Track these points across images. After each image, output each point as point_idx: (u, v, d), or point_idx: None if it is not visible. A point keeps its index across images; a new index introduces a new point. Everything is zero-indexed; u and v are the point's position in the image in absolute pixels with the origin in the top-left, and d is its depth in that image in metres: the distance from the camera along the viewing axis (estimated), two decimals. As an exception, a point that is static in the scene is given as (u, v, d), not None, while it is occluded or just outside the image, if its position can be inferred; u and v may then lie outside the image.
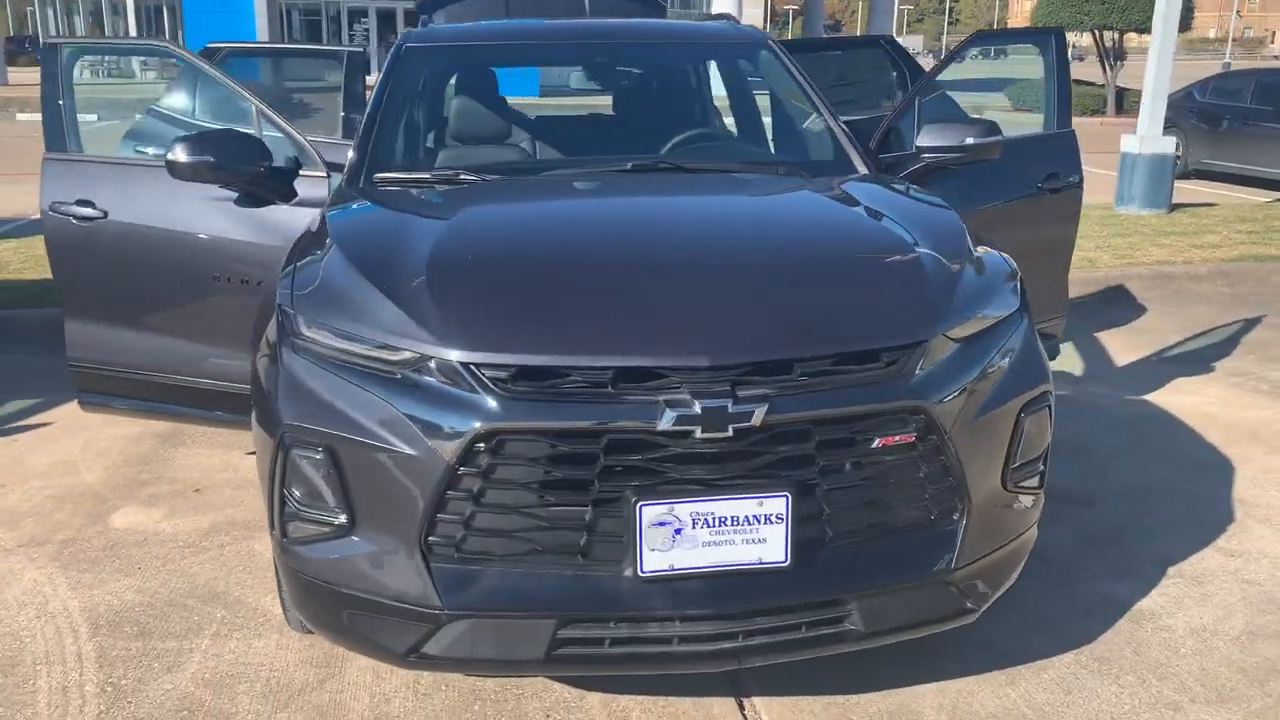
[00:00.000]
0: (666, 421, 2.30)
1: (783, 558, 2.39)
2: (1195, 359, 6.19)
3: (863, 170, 3.68)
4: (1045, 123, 4.56)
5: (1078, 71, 40.54)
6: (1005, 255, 3.02)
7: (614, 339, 2.40)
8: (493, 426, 2.31)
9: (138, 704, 2.91)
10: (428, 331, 2.42)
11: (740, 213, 3.21)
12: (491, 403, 2.33)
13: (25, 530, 3.98)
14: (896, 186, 3.48)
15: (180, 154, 3.45)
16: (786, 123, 4.25)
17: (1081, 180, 4.50)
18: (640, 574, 2.35)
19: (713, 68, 4.92)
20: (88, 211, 3.93)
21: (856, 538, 2.49)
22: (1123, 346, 6.44)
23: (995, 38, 5.02)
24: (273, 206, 3.73)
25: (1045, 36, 4.56)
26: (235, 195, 3.76)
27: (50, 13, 42.63)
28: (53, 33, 41.57)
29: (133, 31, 30.72)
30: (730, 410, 2.31)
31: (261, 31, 25.16)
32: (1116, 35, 25.76)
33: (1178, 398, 5.43)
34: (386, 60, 4.03)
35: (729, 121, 4.83)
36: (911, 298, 2.61)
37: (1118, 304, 7.55)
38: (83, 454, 4.75)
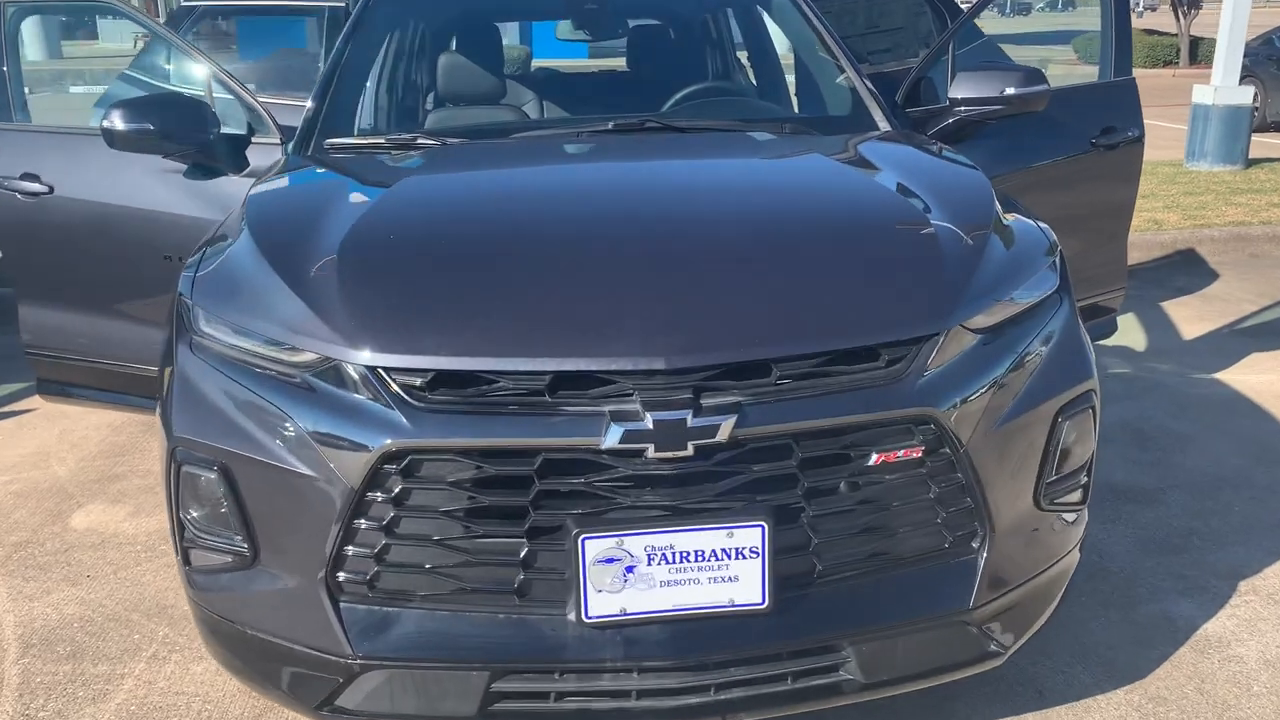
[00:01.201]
0: (612, 438, 1.88)
1: (759, 599, 1.97)
2: (1273, 331, 5.60)
3: (884, 127, 3.20)
4: (1101, 71, 4.02)
5: (1150, 21, 39.01)
6: (1044, 225, 2.54)
7: (552, 337, 1.97)
8: (404, 444, 1.91)
9: (50, 742, 2.59)
10: (331, 328, 2.02)
11: (723, 182, 2.74)
12: (404, 415, 1.93)
13: (-21, 531, 3.70)
14: (918, 145, 3.00)
15: (117, 121, 3.10)
16: (801, 74, 3.76)
17: (1143, 134, 3.96)
18: (585, 619, 1.94)
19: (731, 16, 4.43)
20: (34, 186, 3.60)
21: (852, 572, 2.06)
22: (1192, 317, 5.87)
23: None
24: (225, 178, 3.36)
25: (1103, -28, 4.01)
26: (185, 167, 3.40)
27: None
28: None
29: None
30: (690, 424, 1.88)
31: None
32: (1191, -18, 24.49)
33: (1254, 376, 4.87)
34: (354, 9, 3.62)
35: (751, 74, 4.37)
36: (920, 282, 2.15)
37: (1187, 269, 6.95)
38: (58, 444, 4.47)
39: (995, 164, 3.75)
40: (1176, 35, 25.11)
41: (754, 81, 4.32)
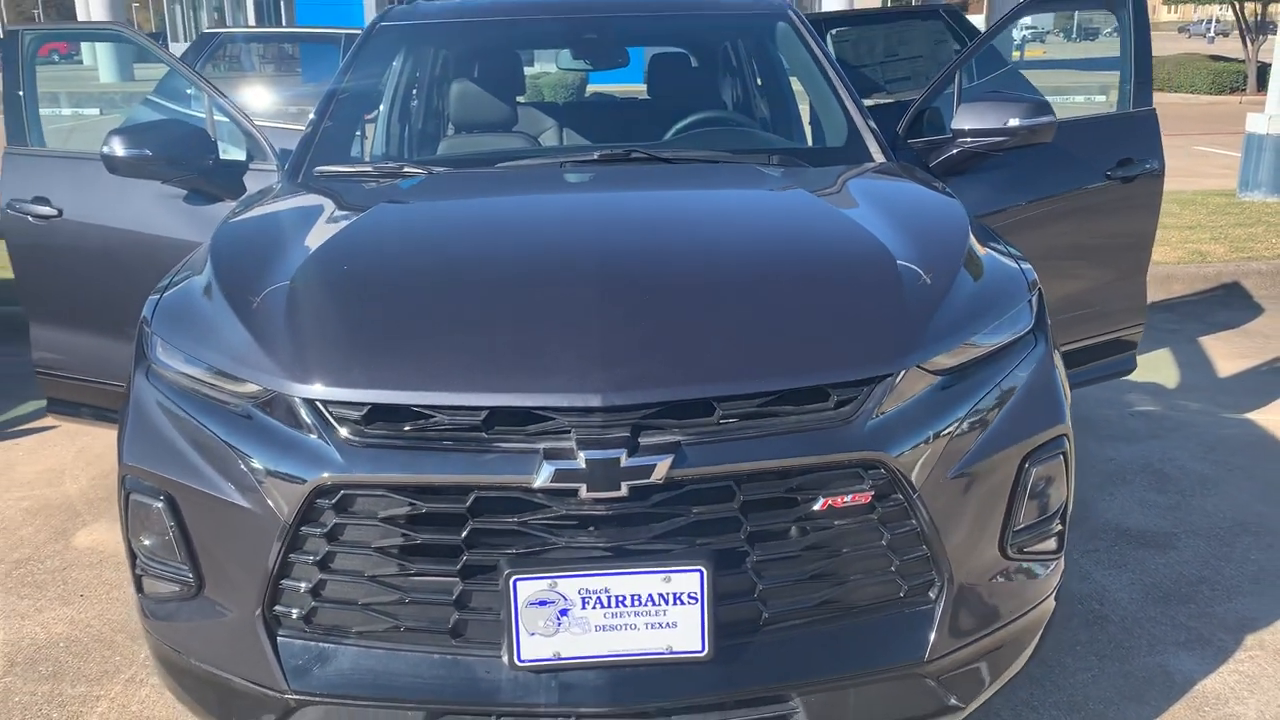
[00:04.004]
0: (543, 477, 1.84)
1: (699, 646, 1.90)
2: (1314, 370, 5.41)
3: (879, 158, 3.14)
4: (1120, 101, 3.91)
5: (1221, 47, 38.21)
6: (1025, 263, 2.46)
7: (487, 373, 1.94)
8: (338, 478, 1.89)
9: (18, 763, 2.61)
10: (272, 359, 2.01)
11: (688, 215, 2.69)
12: (338, 450, 1.91)
13: (-15, 547, 3.76)
14: (902, 179, 2.93)
15: (117, 147, 3.16)
16: (796, 106, 3.70)
17: (1162, 166, 3.84)
18: (518, 662, 1.90)
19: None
20: (44, 210, 3.67)
21: (800, 620, 1.98)
22: (1229, 353, 5.68)
23: (1057, 2, 4.36)
24: (222, 203, 3.39)
25: (1122, 0, 3.90)
26: (185, 192, 3.44)
27: (178, 7, 44.06)
28: (179, 26, 43.02)
29: (251, 20, 31.27)
30: (624, 463, 1.84)
31: (370, 14, 25.25)
32: (1260, 6, 23.96)
33: (1287, 417, 4.70)
34: (358, 39, 3.65)
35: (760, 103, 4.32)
36: (875, 321, 2.08)
37: (1229, 303, 6.73)
38: (73, 462, 4.54)
39: (1004, 195, 3.67)
40: (1244, 62, 24.58)
41: (772, 112, 4.27)
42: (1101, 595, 3.23)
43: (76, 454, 4.62)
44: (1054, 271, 3.87)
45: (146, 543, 2.16)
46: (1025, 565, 2.20)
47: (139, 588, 2.23)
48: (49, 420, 4.99)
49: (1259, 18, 24.18)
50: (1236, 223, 8.37)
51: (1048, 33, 59.91)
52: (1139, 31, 3.85)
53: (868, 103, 4.48)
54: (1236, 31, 25.65)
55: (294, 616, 1.99)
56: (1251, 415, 4.74)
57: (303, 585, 1.96)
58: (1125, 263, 3.95)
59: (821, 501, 1.93)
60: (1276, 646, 2.96)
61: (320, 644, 1.99)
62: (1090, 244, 3.89)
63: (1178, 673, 2.84)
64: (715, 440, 1.89)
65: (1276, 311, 6.53)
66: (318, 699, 1.98)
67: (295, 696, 1.98)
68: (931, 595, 2.05)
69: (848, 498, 1.94)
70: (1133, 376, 5.14)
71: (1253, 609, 3.15)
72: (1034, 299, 2.33)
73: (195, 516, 2.05)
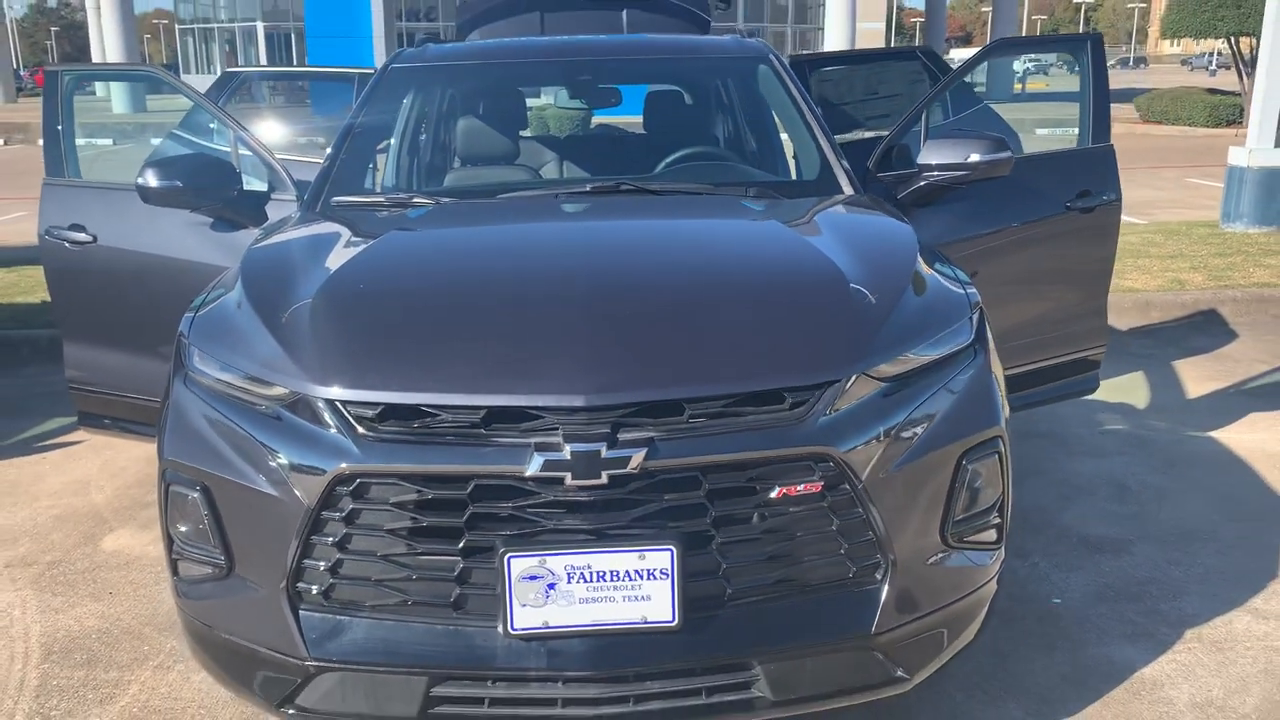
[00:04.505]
0: (534, 467, 2.12)
1: (670, 617, 2.17)
2: (1278, 392, 5.66)
3: (848, 191, 3.43)
4: (1080, 137, 4.20)
5: (1220, 80, 38.44)
6: (969, 285, 2.74)
7: (485, 376, 2.23)
8: (354, 468, 2.17)
9: (58, 737, 2.86)
10: (298, 366, 2.30)
11: (666, 241, 2.99)
12: (355, 443, 2.19)
13: (19, 550, 4.02)
14: (862, 209, 3.22)
15: (150, 179, 3.45)
16: (777, 141, 4.01)
17: (1119, 198, 4.12)
18: (511, 631, 2.17)
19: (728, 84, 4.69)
20: (80, 236, 3.96)
21: (760, 596, 2.25)
22: (1200, 376, 5.94)
23: (1022, 45, 4.67)
24: (245, 230, 3.68)
25: (1080, 43, 4.21)
26: (211, 220, 3.74)
27: (190, 40, 44.86)
28: (191, 59, 43.72)
29: (263, 61, 31.88)
30: (604, 455, 2.11)
31: (380, 57, 25.78)
32: (1255, 41, 24.32)
33: (1248, 435, 4.95)
34: (371, 79, 3.96)
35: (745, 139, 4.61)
36: (827, 335, 2.37)
37: (1206, 330, 7.00)
38: (99, 474, 4.81)
39: (970, 225, 3.95)
40: (1239, 95, 24.94)
41: (754, 147, 4.57)
42: (1058, 593, 3.48)
43: (101, 467, 4.89)
44: (1020, 295, 4.16)
45: (183, 529, 2.44)
46: (965, 553, 2.46)
47: (174, 570, 2.50)
48: (75, 435, 5.28)
49: (1254, 52, 24.55)
50: (1217, 252, 8.65)
51: (1051, 65, 60.55)
52: (1097, 74, 4.15)
53: (849, 138, 4.79)
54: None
55: (314, 592, 2.26)
56: (1214, 433, 4.99)
57: (322, 564, 2.24)
58: (1087, 287, 4.22)
59: (778, 490, 2.20)
60: (1213, 639, 3.21)
61: (337, 616, 2.26)
62: (1053, 270, 4.16)
63: (1120, 662, 3.09)
64: (684, 436, 2.17)
65: (1249, 337, 6.79)
66: (334, 665, 2.24)
67: (314, 663, 2.25)
68: (878, 576, 2.31)
69: (801, 487, 2.21)
70: (1105, 397, 5.44)
71: (1195, 606, 3.40)
72: (975, 317, 2.60)
73: (228, 504, 2.32)
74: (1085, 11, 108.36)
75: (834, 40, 26.93)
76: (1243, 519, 4.04)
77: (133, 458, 4.96)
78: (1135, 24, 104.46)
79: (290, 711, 2.32)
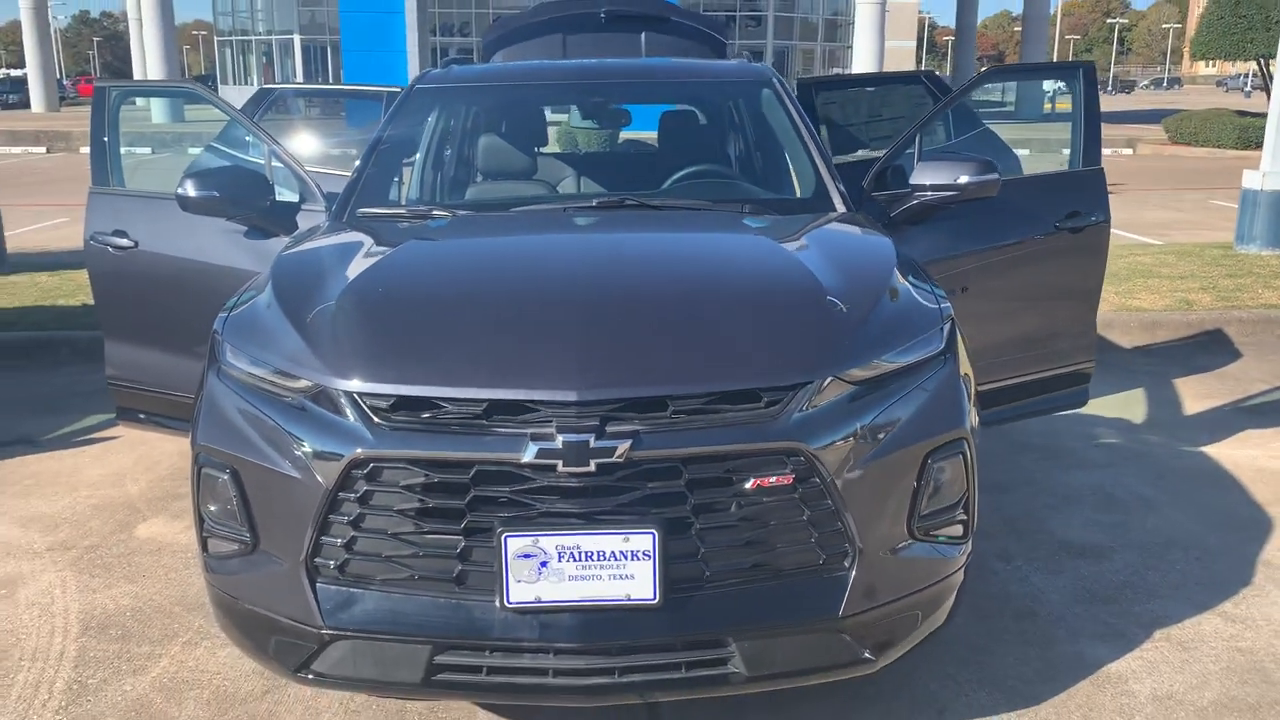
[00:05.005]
0: (529, 454, 2.34)
1: (651, 595, 2.38)
2: (1275, 410, 5.79)
3: (840, 208, 3.64)
4: (1071, 160, 4.39)
5: (1254, 102, 38.14)
6: (942, 297, 2.94)
7: (487, 372, 2.45)
8: (368, 454, 2.40)
9: (95, 703, 3.10)
10: (321, 361, 2.53)
11: (660, 251, 3.22)
12: (370, 431, 2.42)
13: (59, 535, 4.28)
14: (850, 226, 3.43)
15: (190, 189, 3.71)
16: (776, 161, 4.24)
17: (1108, 219, 4.30)
18: (507, 604, 2.38)
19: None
20: (122, 241, 4.23)
21: (737, 579, 2.46)
22: (1199, 394, 6.08)
23: (1014, 72, 4.85)
24: (276, 238, 3.93)
25: (1073, 71, 4.39)
26: (245, 228, 3.99)
27: (228, 51, 45.73)
28: (229, 70, 44.54)
29: (299, 73, 32.45)
30: (593, 445, 2.33)
31: (414, 72, 26.22)
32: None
33: (1239, 451, 5.09)
34: (398, 99, 4.21)
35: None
36: (802, 340, 2.58)
37: (1211, 349, 7.13)
38: (134, 467, 5.08)
39: (961, 242, 4.15)
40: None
41: (758, 165, 4.79)
42: (1036, 595, 3.66)
43: (136, 460, 5.16)
44: (1010, 311, 4.34)
45: (213, 509, 2.67)
46: (932, 545, 2.65)
47: (204, 547, 2.74)
48: (112, 431, 5.56)
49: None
50: (1227, 274, 8.77)
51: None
52: (1088, 98, 4.33)
53: (854, 158, 4.99)
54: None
55: (330, 567, 2.49)
56: (1205, 449, 5.14)
57: (338, 541, 2.46)
58: (1076, 304, 4.40)
59: (753, 481, 2.41)
60: (1181, 639, 3.37)
61: (350, 589, 2.49)
62: (1043, 287, 4.34)
63: (1089, 657, 3.27)
64: (667, 429, 2.38)
65: (1253, 357, 6.92)
66: (347, 634, 2.47)
67: (329, 631, 2.47)
68: (846, 564, 2.51)
69: (774, 479, 2.42)
70: (1102, 412, 5.61)
71: (1167, 609, 3.57)
72: (946, 328, 2.80)
73: (254, 486, 2.56)
74: (1120, 31, 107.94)
75: (863, 58, 27.14)
76: (1226, 530, 4.19)
77: (166, 452, 5.23)
78: (1170, 44, 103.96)
79: (309, 676, 2.54)
